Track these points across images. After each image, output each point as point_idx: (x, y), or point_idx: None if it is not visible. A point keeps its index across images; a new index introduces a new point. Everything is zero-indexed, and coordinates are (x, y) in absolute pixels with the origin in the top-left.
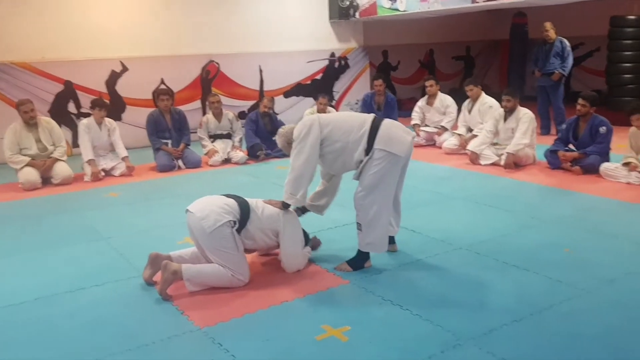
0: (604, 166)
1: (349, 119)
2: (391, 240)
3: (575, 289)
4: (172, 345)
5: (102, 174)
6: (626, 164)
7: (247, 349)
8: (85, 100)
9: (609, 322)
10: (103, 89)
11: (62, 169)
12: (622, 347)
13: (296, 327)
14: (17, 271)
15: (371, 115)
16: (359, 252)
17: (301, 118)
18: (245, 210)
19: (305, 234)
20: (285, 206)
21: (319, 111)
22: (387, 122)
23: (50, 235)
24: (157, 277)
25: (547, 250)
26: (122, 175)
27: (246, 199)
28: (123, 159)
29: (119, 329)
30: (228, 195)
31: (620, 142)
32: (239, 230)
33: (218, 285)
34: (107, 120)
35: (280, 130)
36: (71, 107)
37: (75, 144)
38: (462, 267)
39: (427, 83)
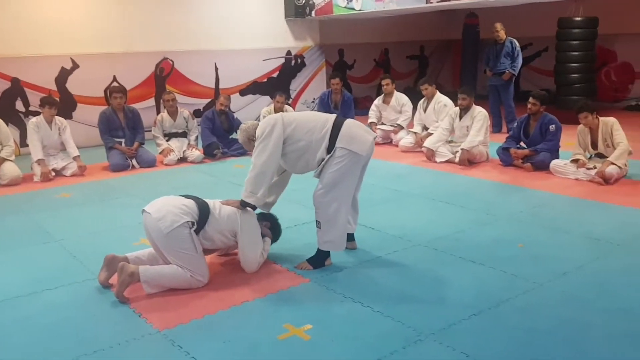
0: (554, 163)
1: (312, 118)
2: (350, 237)
3: (530, 282)
4: (130, 349)
5: (53, 174)
6: (574, 161)
7: (208, 351)
8: (34, 98)
9: (562, 315)
10: (53, 86)
11: (9, 169)
12: (575, 339)
13: (258, 327)
14: None
15: (333, 115)
16: (319, 251)
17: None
18: (204, 211)
19: (277, 228)
20: (243, 205)
21: (276, 109)
22: (349, 122)
23: None
24: (114, 279)
25: (502, 245)
26: (73, 175)
27: (205, 199)
28: (74, 158)
29: (75, 333)
30: (186, 196)
31: (569, 140)
32: (197, 232)
33: (177, 286)
34: (58, 118)
35: (243, 125)
36: (19, 106)
37: (23, 143)
38: (420, 263)
39: (384, 82)
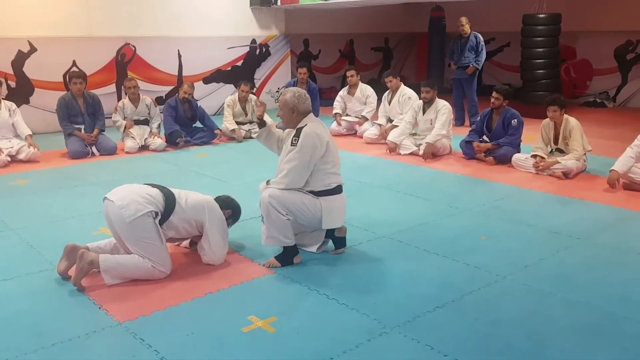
0: (516, 157)
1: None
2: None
3: (493, 275)
4: (90, 342)
5: (8, 159)
6: (534, 156)
7: (172, 344)
8: None
9: (524, 307)
10: (9, 70)
11: None
12: (536, 330)
13: (222, 320)
14: None
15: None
16: (286, 248)
17: (222, 105)
18: (170, 202)
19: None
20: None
21: (240, 99)
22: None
23: None
24: (73, 270)
25: (465, 237)
26: (28, 159)
27: (171, 189)
28: (26, 138)
29: (32, 326)
30: (152, 185)
31: (530, 135)
32: (161, 222)
33: (137, 277)
34: (7, 102)
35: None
36: None
37: None
38: (385, 255)
39: (348, 73)
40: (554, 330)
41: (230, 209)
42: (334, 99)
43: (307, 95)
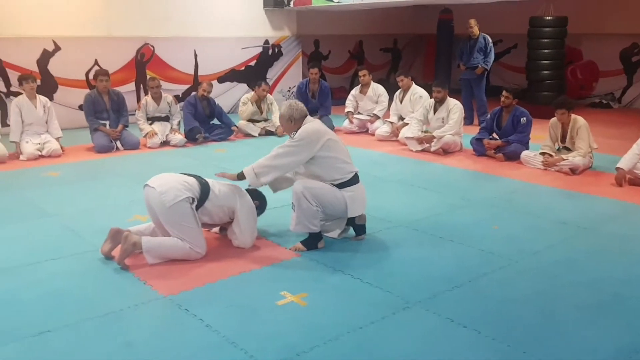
0: (525, 154)
1: (344, 158)
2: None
3: (505, 259)
4: (140, 312)
5: (38, 153)
6: (542, 154)
7: (214, 314)
8: (15, 79)
9: (535, 287)
10: (34, 67)
11: None
12: (546, 307)
13: (257, 294)
14: None
15: (355, 170)
16: (311, 234)
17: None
18: (205, 189)
19: (264, 205)
20: (239, 177)
21: (259, 97)
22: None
23: None
24: (115, 252)
25: (478, 227)
26: (49, 155)
27: (205, 178)
28: (57, 139)
29: (84, 298)
30: (189, 174)
31: (538, 133)
32: (197, 208)
33: (176, 257)
34: (42, 97)
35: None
36: (0, 86)
37: (4, 123)
38: (402, 241)
39: (361, 73)
40: (562, 307)
41: (258, 199)
42: (343, 98)
43: (298, 102)
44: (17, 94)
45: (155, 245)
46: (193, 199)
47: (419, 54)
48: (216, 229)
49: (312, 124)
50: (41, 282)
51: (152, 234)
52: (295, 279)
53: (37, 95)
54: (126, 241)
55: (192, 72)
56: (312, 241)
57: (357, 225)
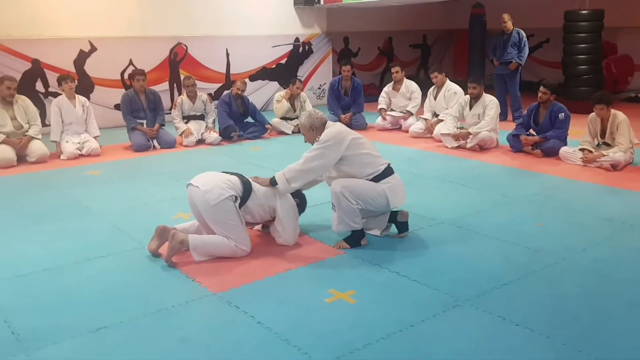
0: (563, 150)
1: (372, 153)
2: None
3: (553, 257)
4: (191, 309)
5: (78, 152)
6: (582, 150)
7: (264, 311)
8: (54, 79)
9: (585, 285)
10: (71, 68)
11: (37, 147)
12: (598, 305)
13: (305, 291)
14: (14, 244)
15: (386, 162)
16: (354, 231)
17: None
18: (247, 188)
19: (304, 204)
20: (272, 183)
21: (292, 95)
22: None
23: (38, 210)
24: (162, 249)
25: (521, 224)
26: (89, 154)
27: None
28: (95, 138)
29: (136, 295)
30: (231, 173)
31: (575, 129)
32: (240, 206)
33: (222, 254)
34: (81, 97)
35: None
36: (39, 86)
37: (42, 123)
38: (447, 239)
39: (393, 70)
40: (615, 305)
41: (298, 198)
42: (373, 95)
43: (317, 111)
44: (55, 95)
45: (201, 243)
46: (236, 197)
47: (448, 49)
48: (258, 227)
49: (334, 127)
50: (93, 279)
51: (197, 232)
52: (341, 276)
53: (76, 95)
54: (173, 239)
55: (224, 70)
56: (356, 239)
57: (400, 223)
